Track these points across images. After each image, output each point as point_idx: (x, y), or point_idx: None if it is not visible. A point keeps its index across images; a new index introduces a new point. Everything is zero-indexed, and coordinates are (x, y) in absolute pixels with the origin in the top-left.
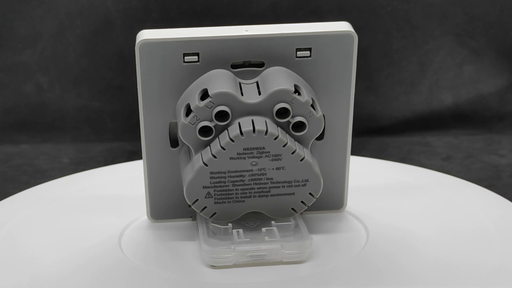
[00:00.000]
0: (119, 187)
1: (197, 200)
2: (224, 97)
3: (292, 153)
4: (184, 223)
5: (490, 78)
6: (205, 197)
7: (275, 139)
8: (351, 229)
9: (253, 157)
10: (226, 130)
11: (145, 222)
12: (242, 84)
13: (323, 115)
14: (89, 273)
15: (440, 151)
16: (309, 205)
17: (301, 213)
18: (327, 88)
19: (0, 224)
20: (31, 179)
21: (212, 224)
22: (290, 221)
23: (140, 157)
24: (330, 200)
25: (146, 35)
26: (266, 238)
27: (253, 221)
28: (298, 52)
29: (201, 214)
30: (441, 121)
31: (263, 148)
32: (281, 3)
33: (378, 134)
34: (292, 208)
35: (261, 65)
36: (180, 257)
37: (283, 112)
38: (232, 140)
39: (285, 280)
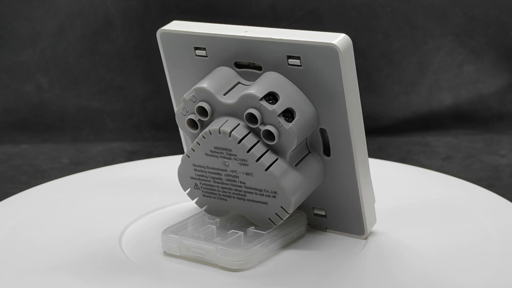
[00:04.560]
0: (119, 187)
1: (189, 189)
2: (203, 94)
3: (256, 160)
4: None
5: (490, 78)
6: (194, 188)
7: (238, 142)
8: (341, 244)
9: (224, 157)
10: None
11: (144, 221)
12: (240, 84)
13: (325, 129)
14: (87, 269)
15: (440, 151)
16: (284, 218)
17: (326, 230)
18: (321, 100)
19: (0, 224)
20: (31, 179)
21: (204, 216)
22: (265, 231)
23: (139, 157)
24: (348, 224)
25: (170, 26)
26: (217, 239)
27: (236, 222)
28: (289, 60)
29: (195, 203)
30: (441, 121)
31: (230, 150)
32: (281, 3)
33: (378, 134)
34: (269, 219)
35: (260, 68)
36: (153, 243)
37: (254, 118)
38: (203, 137)
39: (198, 282)
